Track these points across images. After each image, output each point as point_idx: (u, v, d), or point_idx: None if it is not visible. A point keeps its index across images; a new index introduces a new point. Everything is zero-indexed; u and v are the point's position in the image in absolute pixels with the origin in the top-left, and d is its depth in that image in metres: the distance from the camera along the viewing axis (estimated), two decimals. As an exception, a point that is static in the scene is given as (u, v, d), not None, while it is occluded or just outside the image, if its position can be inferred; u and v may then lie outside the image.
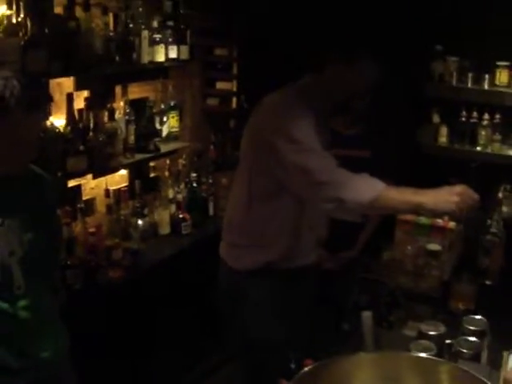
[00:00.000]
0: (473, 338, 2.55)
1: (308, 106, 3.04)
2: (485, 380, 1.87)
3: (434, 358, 2.21)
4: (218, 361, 4.74)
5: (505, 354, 2.52)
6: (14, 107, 2.23)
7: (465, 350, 2.47)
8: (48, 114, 3.67)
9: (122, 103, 4.46)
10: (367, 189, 2.79)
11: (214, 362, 4.75)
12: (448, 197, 2.69)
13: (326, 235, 3.48)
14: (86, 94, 4.16)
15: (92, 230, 4.00)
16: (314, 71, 3.19)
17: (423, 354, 2.08)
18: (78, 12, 3.86)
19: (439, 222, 3.68)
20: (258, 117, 3.16)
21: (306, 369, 1.77)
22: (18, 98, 2.24)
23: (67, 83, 4.04)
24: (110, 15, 4.13)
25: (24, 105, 2.26)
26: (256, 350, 3.27)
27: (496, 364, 2.51)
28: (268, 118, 3.07)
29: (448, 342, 2.56)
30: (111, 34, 4.09)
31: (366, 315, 2.72)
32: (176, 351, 4.42)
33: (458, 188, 2.72)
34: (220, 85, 5.62)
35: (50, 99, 2.68)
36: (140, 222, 4.44)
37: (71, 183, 4.08)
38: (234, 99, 5.57)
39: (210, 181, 5.14)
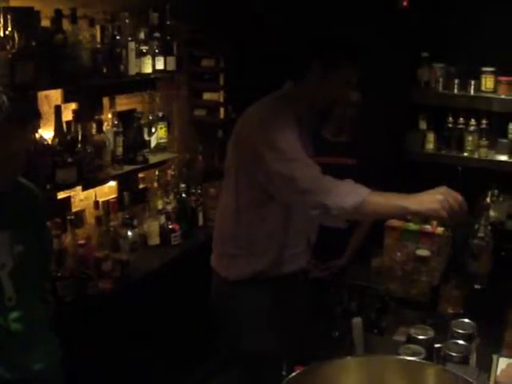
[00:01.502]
0: (461, 342, 2.56)
1: (291, 114, 3.06)
2: (473, 382, 1.88)
3: (421, 361, 2.22)
4: (209, 370, 4.74)
5: (494, 357, 2.55)
6: (2, 122, 2.24)
7: (453, 354, 2.48)
8: (37, 128, 3.67)
9: (109, 115, 4.47)
10: (351, 194, 2.79)
11: (205, 371, 4.75)
12: (433, 199, 2.70)
13: (316, 242, 3.49)
14: (73, 106, 4.17)
15: (82, 241, 4.00)
16: (294, 79, 3.21)
17: (411, 358, 2.09)
18: (65, 25, 3.88)
19: (427, 227, 3.70)
20: (241, 127, 3.17)
21: (293, 374, 1.77)
22: (6, 113, 2.24)
23: (55, 95, 4.05)
24: (97, 27, 4.15)
25: (13, 120, 2.27)
26: (248, 359, 3.28)
27: (485, 367, 2.54)
28: (251, 128, 3.09)
29: (437, 345, 2.57)
30: (98, 46, 4.11)
31: (356, 322, 2.74)
32: (168, 361, 4.42)
33: (441, 189, 2.73)
34: (207, 95, 5.64)
35: (38, 115, 2.68)
36: (129, 233, 4.45)
37: (60, 195, 4.08)
38: (222, 110, 5.58)
39: (199, 191, 5.15)
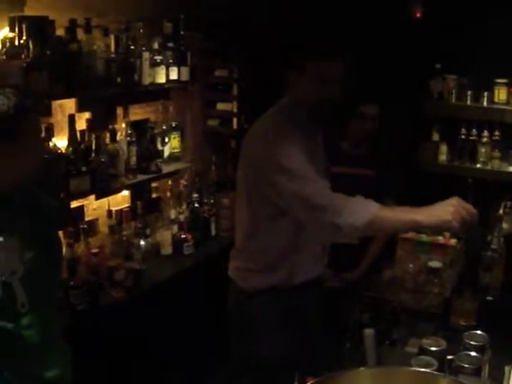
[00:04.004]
0: (474, 353, 2.55)
1: (294, 126, 3.04)
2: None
3: (433, 372, 2.22)
4: (221, 379, 4.73)
5: (507, 368, 2.54)
6: (23, 127, 2.26)
7: (466, 365, 2.47)
8: (51, 136, 3.70)
9: (123, 124, 4.48)
10: (362, 212, 2.77)
11: (217, 379, 4.74)
12: (442, 209, 2.69)
13: (331, 253, 3.48)
14: (87, 115, 4.19)
15: (95, 250, 4.01)
16: (287, 86, 3.19)
17: (423, 369, 2.09)
18: (80, 34, 3.90)
19: (440, 239, 3.69)
20: (247, 143, 3.17)
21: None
22: (26, 117, 2.27)
23: (69, 105, 4.07)
24: (111, 37, 4.17)
25: (32, 126, 2.30)
26: (260, 368, 3.28)
27: (497, 379, 2.53)
28: (256, 146, 3.07)
29: (449, 357, 2.56)
30: (112, 55, 4.13)
31: (368, 333, 2.73)
32: (180, 370, 4.42)
33: (452, 200, 2.72)
34: (220, 106, 5.64)
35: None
36: (142, 242, 4.46)
37: (74, 204, 4.10)
38: (235, 120, 5.58)
39: (212, 201, 5.15)
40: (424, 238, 3.71)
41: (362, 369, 1.88)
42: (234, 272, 3.36)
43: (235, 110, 5.57)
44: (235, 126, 5.59)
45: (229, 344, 3.47)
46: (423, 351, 2.61)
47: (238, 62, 5.43)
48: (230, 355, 3.49)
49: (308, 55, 3.06)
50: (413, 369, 2.05)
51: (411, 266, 3.64)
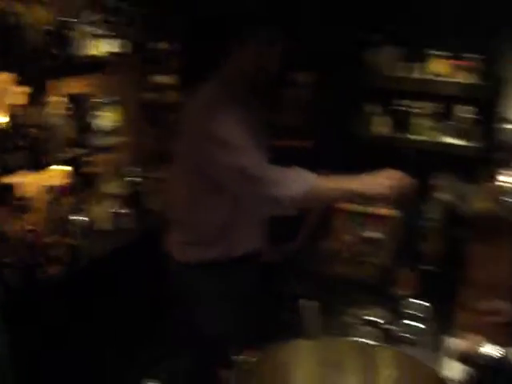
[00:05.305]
0: (413, 323, 2.58)
1: (232, 98, 3.02)
2: (426, 362, 1.90)
3: (373, 342, 2.23)
4: (160, 354, 4.72)
5: (447, 337, 2.58)
6: None
7: (406, 335, 2.50)
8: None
9: (60, 98, 4.40)
10: (299, 183, 2.77)
11: (156, 355, 4.73)
12: (381, 180, 2.71)
13: (269, 226, 3.48)
14: (24, 89, 4.10)
15: (30, 227, 3.95)
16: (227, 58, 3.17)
17: (363, 340, 2.10)
18: (16, 7, 3.81)
19: (376, 209, 3.72)
20: (185, 117, 3.14)
21: (246, 358, 1.77)
22: None
23: (6, 79, 3.98)
24: (49, 9, 4.07)
25: None
26: (199, 342, 3.27)
27: (437, 348, 2.56)
28: (194, 119, 3.04)
29: (389, 327, 2.59)
30: (49, 28, 4.04)
31: (307, 305, 2.74)
32: (119, 345, 4.40)
33: (391, 172, 2.74)
34: (159, 78, 5.59)
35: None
36: (79, 218, 4.40)
37: (9, 179, 4.02)
38: (173, 93, 5.54)
39: (150, 175, 5.11)
40: (360, 208, 3.73)
41: (302, 340, 1.88)
42: (172, 245, 3.34)
43: (174, 82, 5.53)
44: (173, 99, 5.55)
45: (168, 318, 3.46)
46: (363, 322, 2.63)
47: (178, 35, 5.38)
48: (170, 330, 3.48)
49: (248, 27, 3.04)
50: (354, 339, 2.06)
51: (347, 236, 3.66)
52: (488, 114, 5.50)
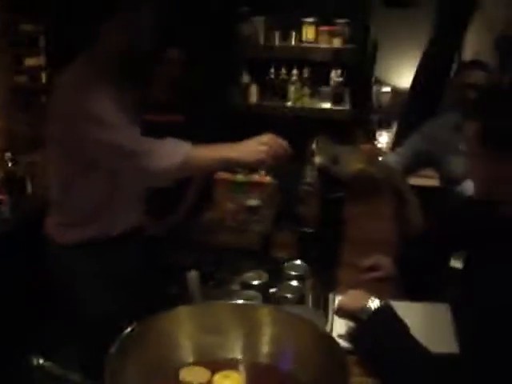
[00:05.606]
0: (295, 283, 2.62)
1: (103, 76, 2.96)
2: (305, 317, 1.93)
3: (253, 303, 2.26)
4: (49, 339, 4.65)
5: (330, 295, 2.62)
6: None
7: (288, 295, 2.53)
8: None
9: None
10: (174, 153, 2.78)
11: (44, 340, 4.66)
12: (256, 146, 2.74)
13: (149, 199, 3.47)
14: None
15: None
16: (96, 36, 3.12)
17: (241, 301, 2.12)
18: None
19: (256, 177, 3.76)
20: (56, 98, 3.07)
21: (126, 331, 1.75)
22: None
23: None
24: None
25: None
26: (89, 324, 3.24)
27: (321, 306, 2.60)
28: (65, 99, 2.96)
29: (272, 290, 2.62)
30: None
31: (192, 275, 2.74)
32: (4, 333, 4.32)
33: (266, 137, 2.77)
34: (28, 61, 5.46)
35: None
36: (-47, 206, 4.28)
37: None
38: (44, 74, 5.42)
39: (26, 159, 5.01)
40: (240, 177, 3.77)
41: (181, 307, 1.88)
42: (51, 228, 3.29)
43: (44, 64, 5.42)
44: (44, 81, 5.44)
45: (53, 303, 3.41)
46: (246, 286, 2.65)
47: (45, 15, 5.27)
48: (56, 314, 3.44)
49: (117, 4, 3.00)
50: (232, 302, 2.07)
51: (230, 206, 3.69)
52: (361, 78, 5.62)
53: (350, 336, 2.27)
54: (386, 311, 2.23)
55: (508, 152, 2.02)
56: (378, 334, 2.18)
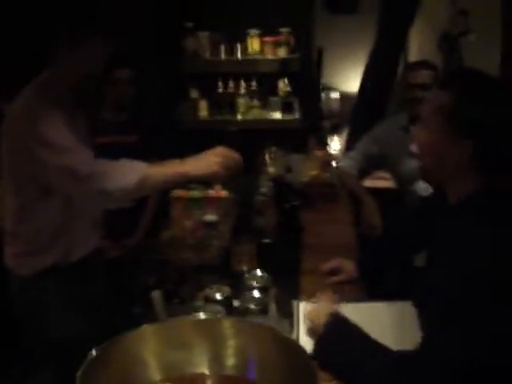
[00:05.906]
0: (257, 294, 2.63)
1: (55, 102, 2.96)
2: (265, 325, 1.95)
3: (216, 317, 2.27)
4: (20, 372, 4.61)
5: (294, 302, 2.65)
6: None
7: (252, 306, 2.54)
8: None
9: None
10: (130, 173, 2.78)
11: (16, 374, 4.62)
12: (209, 159, 2.77)
13: (106, 222, 3.47)
14: None
15: None
16: (48, 63, 3.13)
17: (203, 315, 2.12)
18: None
19: (211, 192, 3.78)
20: (8, 125, 3.06)
21: (92, 353, 1.75)
22: None
23: None
24: None
25: None
26: (57, 352, 3.23)
27: (286, 314, 2.62)
28: (18, 126, 2.97)
29: (235, 302, 2.63)
30: None
31: (156, 294, 2.75)
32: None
33: (218, 150, 2.81)
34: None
35: None
36: None
37: None
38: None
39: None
40: (195, 194, 3.78)
41: (145, 326, 1.88)
42: (10, 259, 3.27)
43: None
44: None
45: (19, 336, 3.39)
46: (209, 301, 2.66)
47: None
48: (24, 348, 3.42)
49: (78, 32, 3.01)
50: (194, 317, 2.07)
51: (187, 223, 3.70)
52: (309, 86, 5.66)
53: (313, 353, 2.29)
54: (336, 322, 2.27)
55: (464, 136, 2.03)
56: (334, 346, 2.22)
